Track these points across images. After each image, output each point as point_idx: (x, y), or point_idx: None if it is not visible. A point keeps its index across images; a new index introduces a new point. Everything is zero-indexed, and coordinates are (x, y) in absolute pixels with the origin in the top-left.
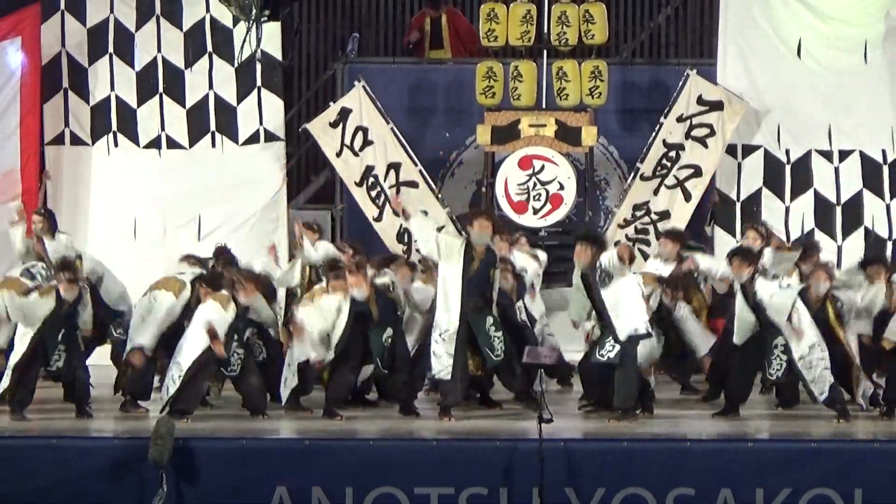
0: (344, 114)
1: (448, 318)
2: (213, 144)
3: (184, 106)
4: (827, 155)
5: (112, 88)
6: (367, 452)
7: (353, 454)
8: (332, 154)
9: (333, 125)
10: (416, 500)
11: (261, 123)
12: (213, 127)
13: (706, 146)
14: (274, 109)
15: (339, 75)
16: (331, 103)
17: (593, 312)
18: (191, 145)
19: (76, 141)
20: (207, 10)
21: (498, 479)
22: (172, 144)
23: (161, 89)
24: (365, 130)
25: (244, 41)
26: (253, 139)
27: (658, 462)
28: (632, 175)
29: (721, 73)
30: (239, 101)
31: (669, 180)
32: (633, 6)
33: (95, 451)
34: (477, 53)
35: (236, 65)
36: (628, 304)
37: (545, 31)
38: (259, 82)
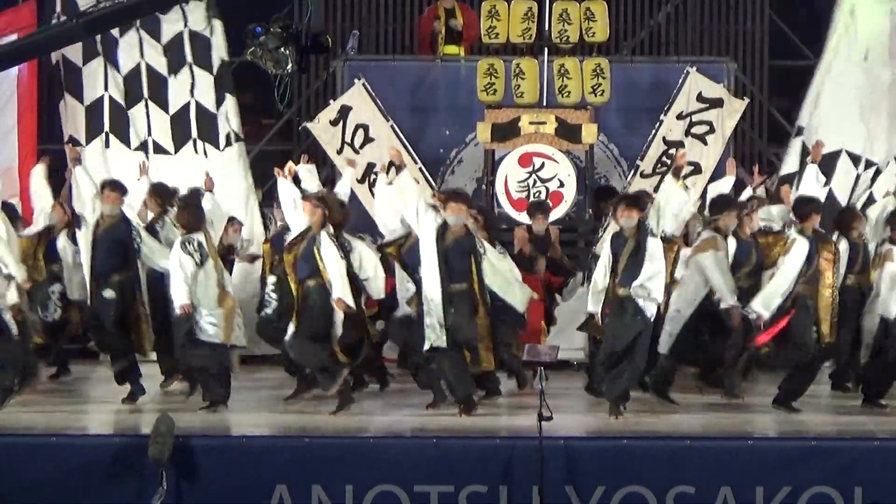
0: (344, 112)
1: (432, 289)
2: (196, 150)
3: (167, 112)
4: (855, 159)
5: (105, 89)
6: (367, 450)
7: (353, 452)
8: (332, 152)
9: (334, 123)
10: (416, 499)
11: (230, 126)
12: (195, 134)
13: (706, 143)
14: (236, 111)
15: (339, 73)
16: (331, 101)
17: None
18: (176, 151)
19: (73, 141)
20: (185, 24)
21: (498, 477)
22: (159, 149)
23: (146, 95)
24: (366, 128)
25: (281, 92)
26: (228, 142)
27: (658, 460)
28: (631, 172)
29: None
30: (217, 107)
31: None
32: (634, 4)
33: (95, 448)
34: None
35: (215, 73)
36: (660, 279)
37: (546, 28)
38: (229, 87)
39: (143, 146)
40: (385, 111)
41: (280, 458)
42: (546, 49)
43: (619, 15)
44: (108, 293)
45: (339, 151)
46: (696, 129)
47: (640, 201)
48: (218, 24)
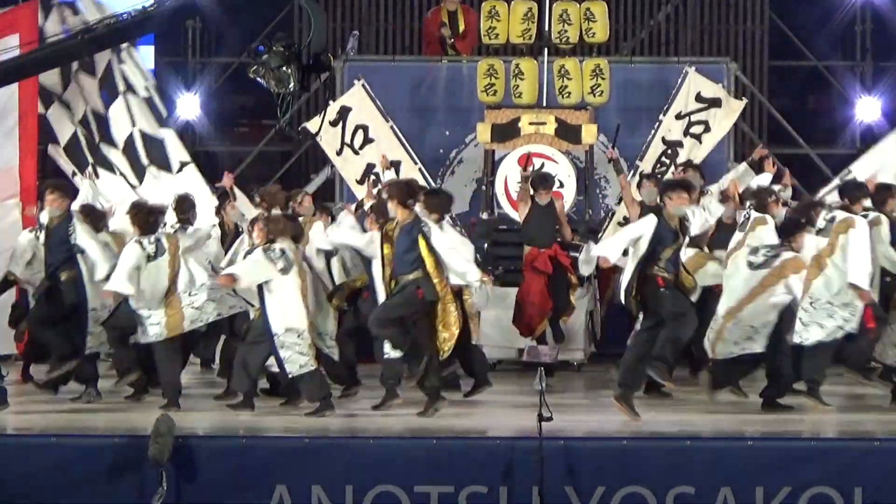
0: (344, 112)
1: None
2: (155, 177)
3: (118, 148)
4: None
5: (73, 125)
6: (367, 451)
7: (353, 452)
8: (332, 152)
9: (333, 124)
10: (416, 499)
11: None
12: (146, 162)
13: (701, 142)
14: (174, 141)
15: (339, 74)
16: (330, 102)
17: None
18: (140, 182)
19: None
20: (113, 50)
21: (498, 478)
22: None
23: (97, 139)
24: (365, 129)
25: (284, 111)
26: (181, 168)
27: (658, 461)
28: (631, 173)
29: None
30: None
31: (668, 178)
32: (634, 4)
33: (95, 449)
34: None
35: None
36: None
37: (546, 29)
38: (160, 118)
39: (123, 174)
40: (385, 112)
41: (280, 458)
42: (546, 49)
43: (618, 15)
44: (44, 283)
45: (339, 152)
46: (695, 129)
47: (693, 188)
48: (134, 53)
